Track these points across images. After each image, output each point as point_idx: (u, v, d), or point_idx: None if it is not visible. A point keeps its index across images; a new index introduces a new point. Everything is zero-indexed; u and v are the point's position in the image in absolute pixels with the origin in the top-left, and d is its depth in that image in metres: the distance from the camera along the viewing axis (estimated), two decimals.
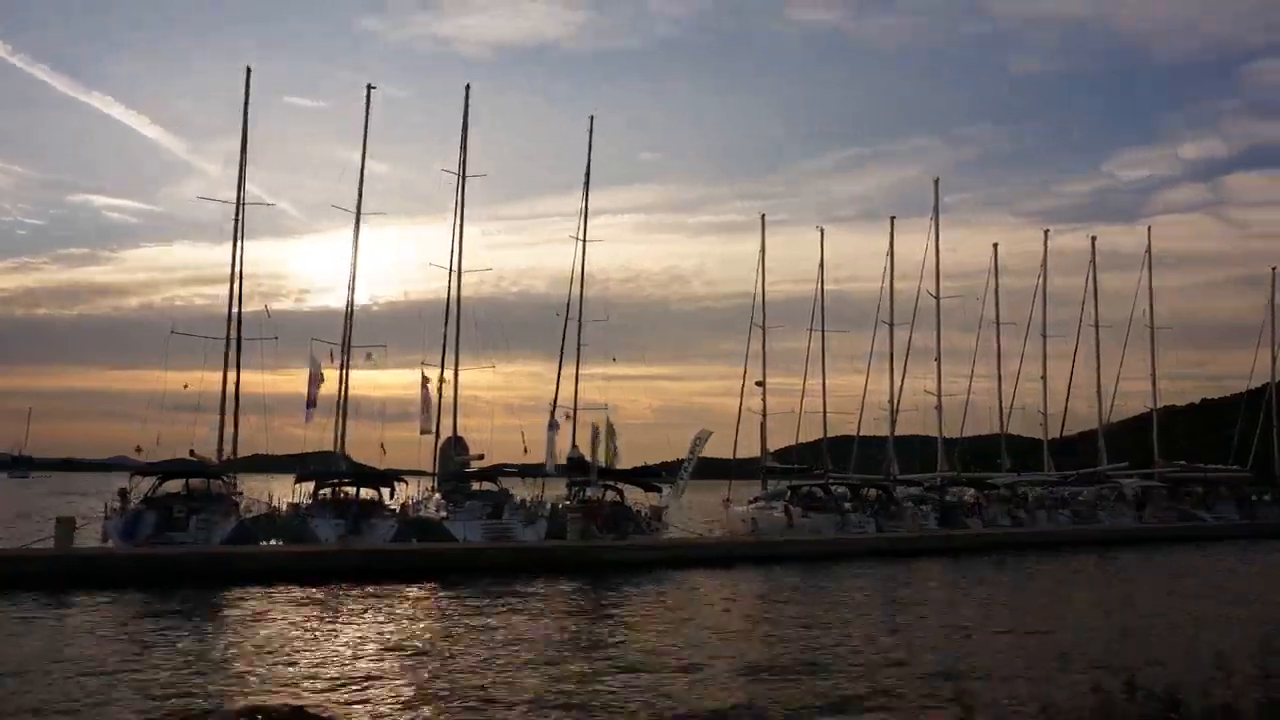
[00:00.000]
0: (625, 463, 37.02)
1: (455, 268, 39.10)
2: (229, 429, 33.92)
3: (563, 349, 39.98)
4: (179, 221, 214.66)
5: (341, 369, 36.31)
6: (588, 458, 36.04)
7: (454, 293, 39.00)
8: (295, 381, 36.11)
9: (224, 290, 34.35)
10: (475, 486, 35.54)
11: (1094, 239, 57.29)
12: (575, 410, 39.38)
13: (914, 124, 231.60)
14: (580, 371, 40.03)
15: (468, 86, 40.44)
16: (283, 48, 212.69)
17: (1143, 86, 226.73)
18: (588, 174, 41.47)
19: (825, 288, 49.14)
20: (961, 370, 52.48)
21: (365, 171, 38.05)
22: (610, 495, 34.82)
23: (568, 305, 40.29)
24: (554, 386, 39.55)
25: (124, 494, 28.13)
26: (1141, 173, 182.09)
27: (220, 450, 33.61)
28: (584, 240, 40.90)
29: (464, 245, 39.44)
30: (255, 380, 34.64)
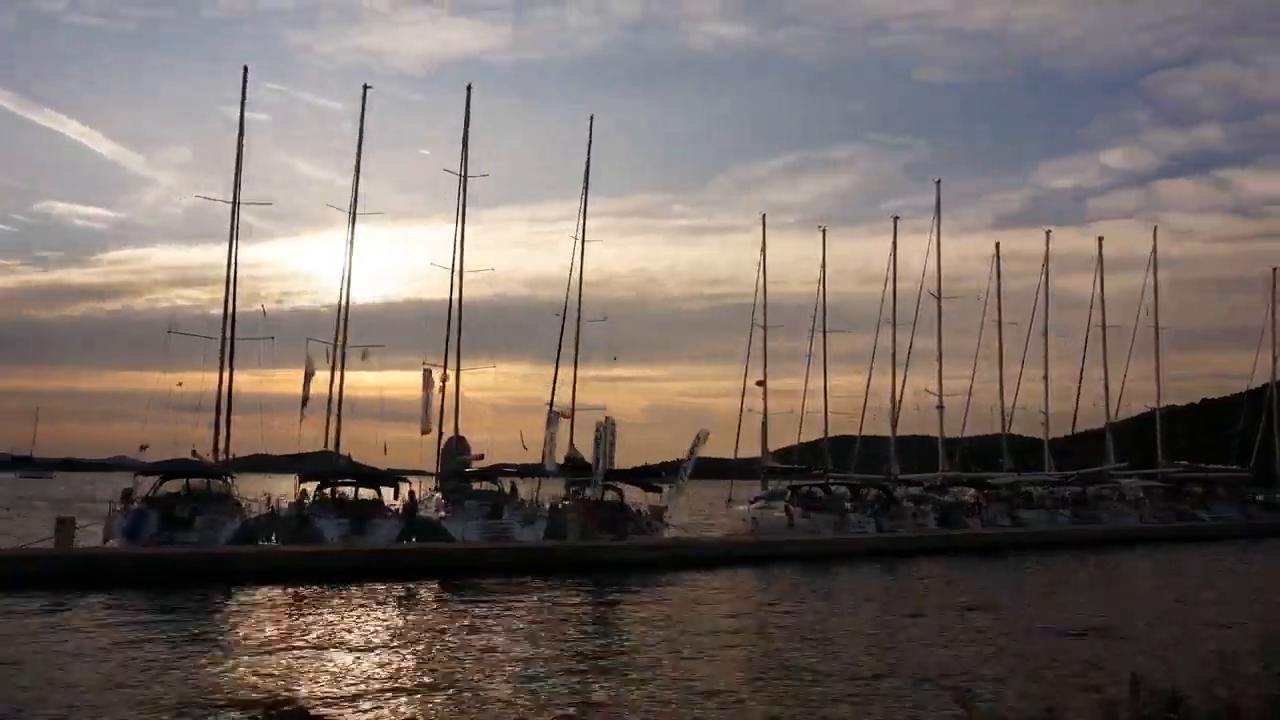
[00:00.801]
0: (620, 463, 37.01)
1: (456, 268, 39.14)
2: (226, 428, 33.95)
3: (559, 349, 40.03)
4: (145, 227, 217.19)
5: (336, 368, 36.30)
6: (586, 458, 36.02)
7: (455, 293, 39.06)
8: (293, 381, 36.13)
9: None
10: (475, 486, 35.54)
11: (1100, 239, 57.37)
12: (573, 410, 39.39)
13: (839, 134, 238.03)
14: (579, 371, 40.11)
15: (469, 87, 40.44)
16: (224, 61, 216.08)
17: (1053, 99, 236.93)
18: (586, 175, 41.50)
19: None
20: (963, 370, 52.59)
21: (359, 173, 37.96)
22: (610, 495, 34.81)
23: (565, 306, 40.29)
24: (553, 387, 39.61)
25: (128, 494, 28.13)
26: (1069, 181, 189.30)
27: (216, 450, 33.59)
28: (583, 240, 40.92)
29: (464, 245, 39.50)
30: (253, 380, 34.71)
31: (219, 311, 34.42)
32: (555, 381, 39.60)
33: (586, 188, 41.31)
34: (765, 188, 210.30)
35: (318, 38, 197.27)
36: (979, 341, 52.86)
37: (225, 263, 34.63)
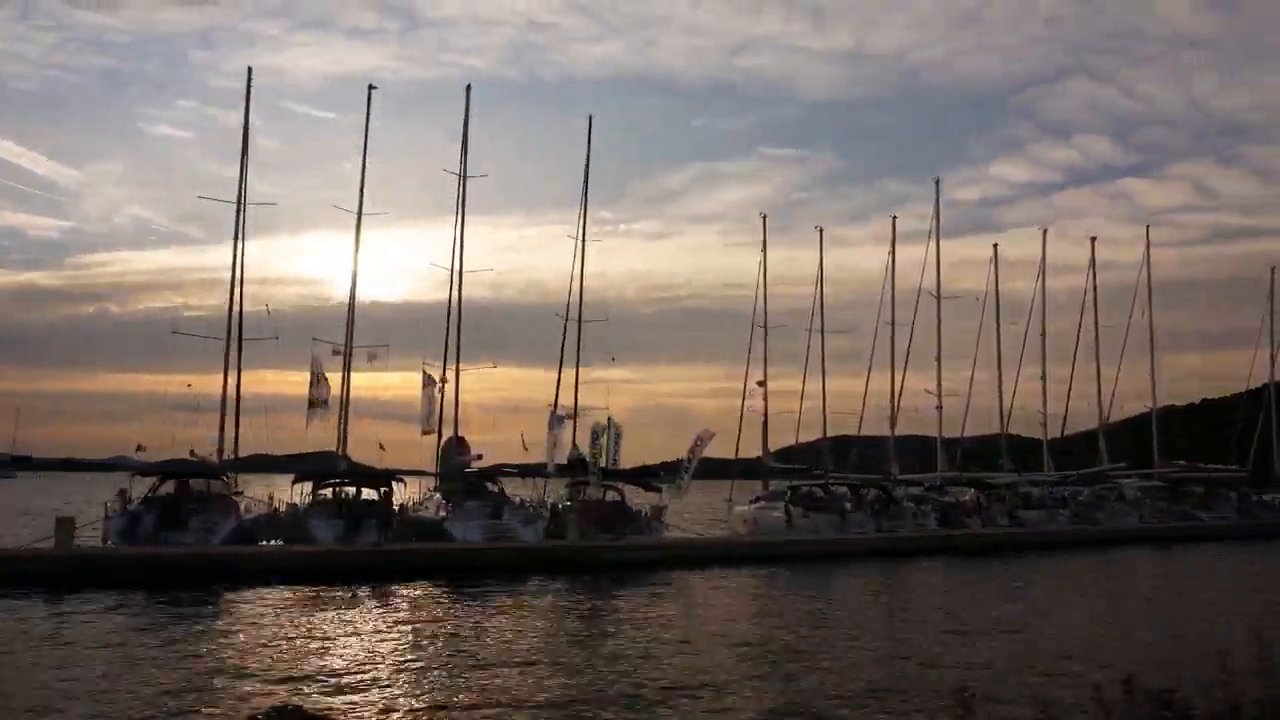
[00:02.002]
0: (620, 463, 37.06)
1: (456, 268, 39.17)
2: (230, 429, 33.99)
3: (563, 349, 40.04)
4: (98, 234, 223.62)
5: (344, 370, 36.36)
6: (587, 457, 36.04)
7: (455, 293, 39.08)
8: (295, 382, 36.17)
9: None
10: (475, 486, 35.51)
11: (1093, 239, 57.43)
12: (576, 410, 39.40)
13: (738, 148, 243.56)
14: (580, 371, 40.12)
15: (468, 88, 40.49)
16: (138, 84, 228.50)
17: (930, 116, 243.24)
18: (586, 177, 41.51)
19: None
20: (963, 371, 52.61)
21: (364, 174, 38.05)
22: (611, 495, 34.82)
23: (567, 306, 40.29)
24: (553, 387, 39.65)
25: (124, 494, 28.14)
26: (972, 193, 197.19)
27: (221, 450, 33.65)
28: (583, 240, 40.91)
29: (464, 245, 39.53)
30: (255, 380, 34.76)
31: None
32: (559, 383, 39.66)
33: (586, 189, 41.36)
34: (680, 199, 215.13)
35: (217, 56, 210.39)
36: (978, 342, 52.95)
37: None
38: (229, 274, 34.54)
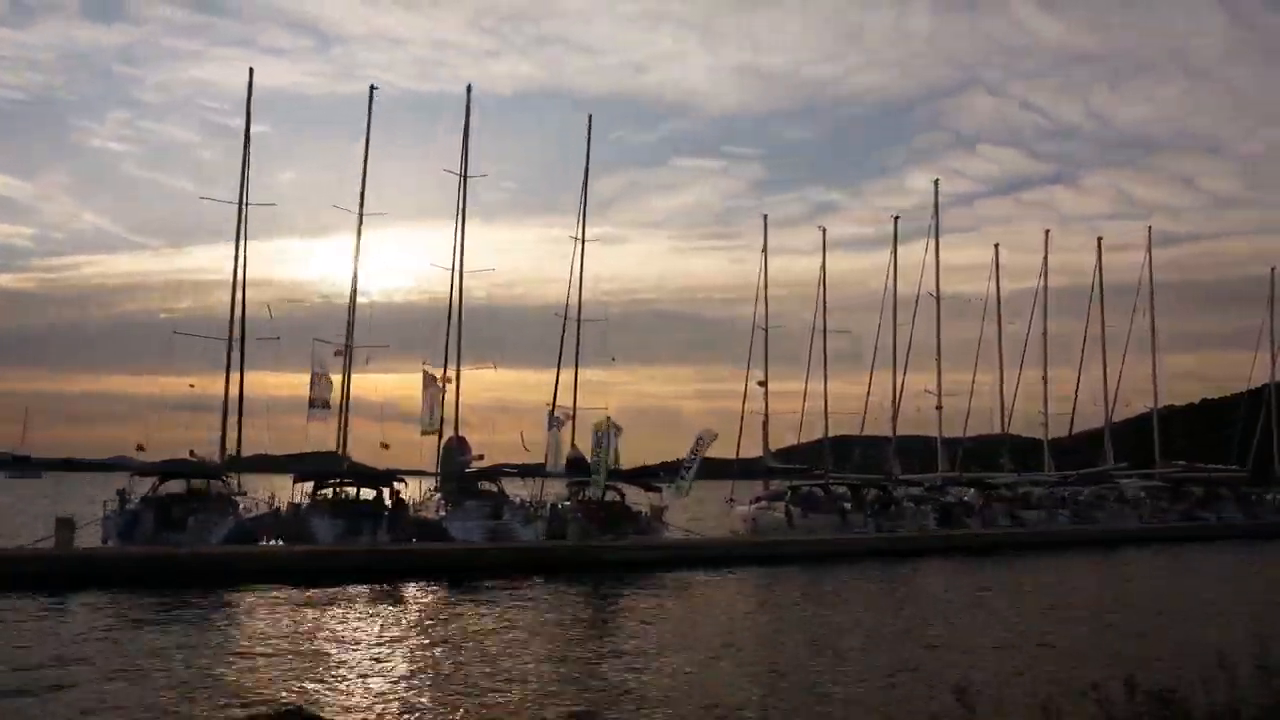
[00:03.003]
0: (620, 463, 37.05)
1: (457, 268, 39.16)
2: (232, 429, 34.00)
3: (561, 349, 40.02)
4: (62, 240, 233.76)
5: (345, 370, 36.33)
6: (588, 458, 36.03)
7: (455, 293, 39.07)
8: (296, 382, 36.15)
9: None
10: (475, 486, 35.52)
11: (1100, 239, 57.39)
12: (575, 410, 39.38)
13: (656, 159, 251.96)
14: (580, 371, 40.08)
15: (469, 87, 40.46)
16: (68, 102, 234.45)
17: (837, 128, 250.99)
18: (585, 177, 41.49)
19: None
20: (964, 371, 52.60)
21: (367, 174, 38.00)
22: (611, 495, 34.81)
23: (566, 306, 40.26)
24: (553, 387, 39.63)
25: (122, 494, 28.13)
26: (897, 201, 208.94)
27: (223, 450, 33.65)
28: (583, 240, 40.85)
29: (465, 245, 39.51)
30: (257, 380, 34.74)
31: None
32: (557, 383, 39.64)
33: (585, 190, 41.33)
34: (614, 208, 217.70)
35: (146, 71, 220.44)
36: (979, 342, 52.93)
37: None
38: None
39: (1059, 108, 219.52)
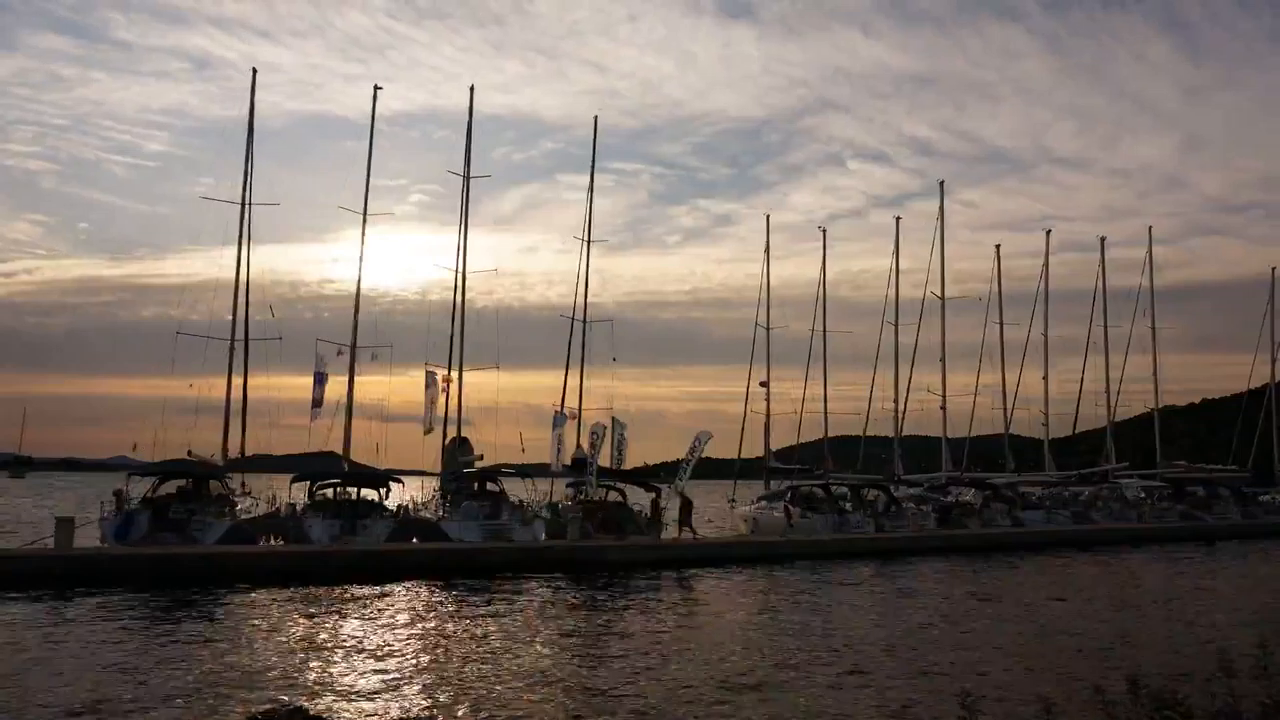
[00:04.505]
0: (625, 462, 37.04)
1: (460, 269, 39.16)
2: (235, 429, 34.02)
3: (569, 351, 40.02)
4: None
5: (350, 370, 36.34)
6: (587, 457, 36.03)
7: (458, 293, 39.07)
8: (298, 382, 36.20)
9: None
10: (475, 486, 35.53)
11: (1103, 239, 57.39)
12: (580, 410, 39.39)
13: (531, 175, 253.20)
14: (584, 372, 40.10)
15: (471, 88, 40.48)
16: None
17: (719, 144, 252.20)
18: (591, 176, 41.50)
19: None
20: (968, 371, 52.62)
21: (370, 175, 38.04)
22: (613, 496, 34.82)
23: (574, 308, 40.23)
24: (556, 387, 39.71)
25: (119, 495, 28.14)
26: (782, 215, 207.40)
27: (225, 450, 33.68)
28: (588, 243, 40.84)
29: (468, 246, 39.51)
30: (259, 381, 34.77)
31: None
32: (565, 384, 39.64)
33: (591, 191, 41.32)
34: (516, 221, 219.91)
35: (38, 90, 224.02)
36: (982, 342, 52.94)
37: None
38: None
39: (913, 127, 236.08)
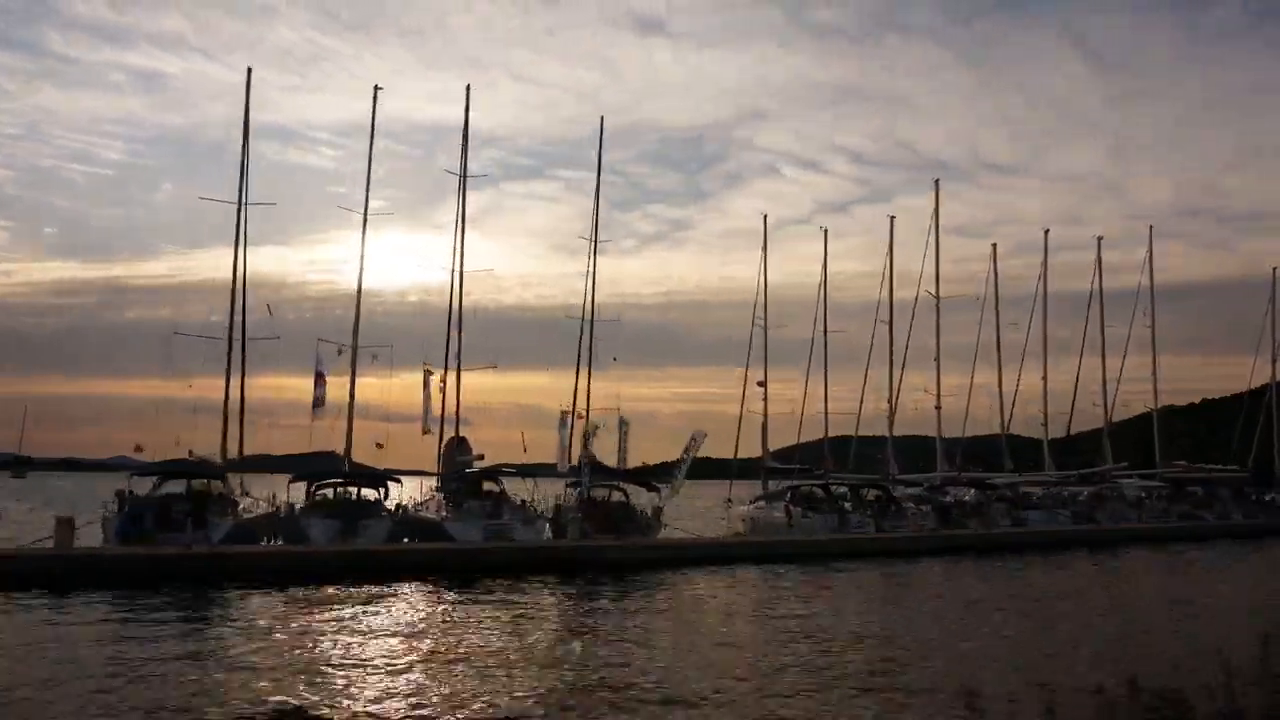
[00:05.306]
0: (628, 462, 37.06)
1: (457, 269, 39.16)
2: (233, 429, 34.00)
3: (579, 352, 39.97)
4: None
5: (351, 370, 36.35)
6: (598, 458, 36.09)
7: (456, 294, 39.06)
8: (297, 382, 36.19)
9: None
10: (475, 486, 35.51)
11: (1100, 239, 57.38)
12: (588, 410, 39.37)
13: (479, 183, 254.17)
14: (589, 373, 40.06)
15: (468, 87, 40.48)
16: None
17: (661, 151, 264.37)
18: (598, 179, 41.46)
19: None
20: (963, 371, 52.60)
21: (371, 174, 38.05)
22: (617, 496, 34.81)
23: (584, 308, 40.13)
24: (556, 388, 39.73)
25: (121, 495, 28.12)
26: (723, 222, 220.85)
27: (224, 450, 33.64)
28: (594, 241, 40.74)
29: (465, 246, 39.51)
30: (257, 381, 34.78)
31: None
32: (575, 385, 39.61)
33: (598, 191, 41.28)
34: (496, 216, 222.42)
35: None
36: (978, 341, 52.93)
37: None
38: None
39: (845, 139, 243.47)
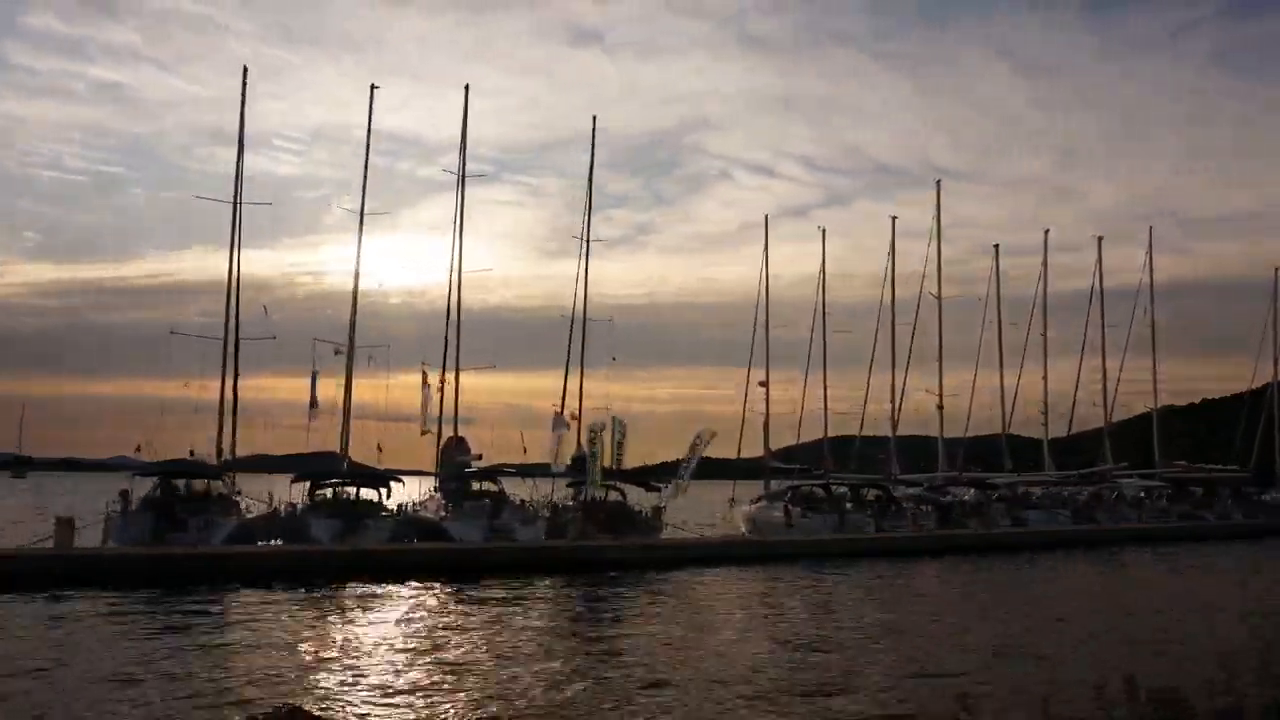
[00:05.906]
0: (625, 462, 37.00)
1: (456, 268, 39.18)
2: (229, 429, 33.98)
3: (568, 352, 40.04)
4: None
5: (348, 371, 36.34)
6: (586, 456, 36.02)
7: (454, 294, 39.08)
8: (295, 382, 36.17)
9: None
10: (475, 486, 35.53)
11: (1100, 239, 57.38)
12: (580, 411, 39.41)
13: (442, 187, 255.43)
14: (584, 372, 40.11)
15: (466, 87, 40.50)
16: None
17: (621, 156, 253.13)
18: (590, 178, 41.49)
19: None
20: (965, 371, 52.61)
21: (367, 175, 38.07)
22: (613, 495, 34.79)
23: (573, 307, 40.20)
24: (556, 388, 39.72)
25: (125, 494, 28.14)
26: (691, 226, 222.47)
27: (220, 451, 33.63)
28: (587, 242, 40.79)
29: (463, 246, 39.53)
30: (255, 381, 34.76)
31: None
32: (565, 385, 39.66)
33: (591, 191, 41.31)
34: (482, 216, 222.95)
35: None
36: (980, 341, 52.93)
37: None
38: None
39: (798, 145, 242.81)
